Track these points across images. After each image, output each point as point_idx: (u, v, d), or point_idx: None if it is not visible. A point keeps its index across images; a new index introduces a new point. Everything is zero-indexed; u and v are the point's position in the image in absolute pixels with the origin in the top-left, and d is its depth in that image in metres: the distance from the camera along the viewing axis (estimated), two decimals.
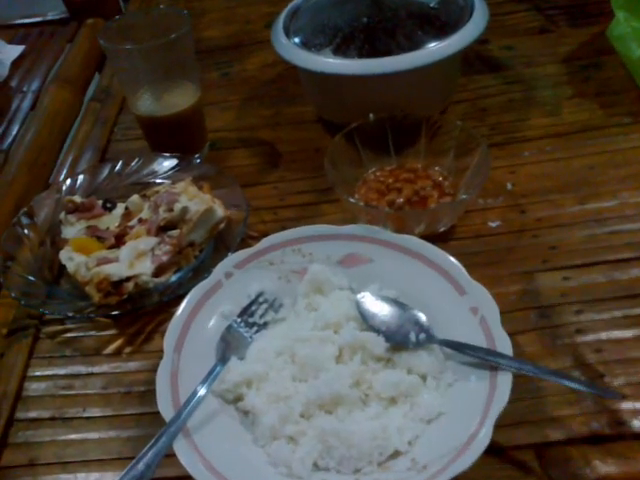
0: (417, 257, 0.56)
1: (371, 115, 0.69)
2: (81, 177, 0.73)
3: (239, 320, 0.54)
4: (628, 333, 0.54)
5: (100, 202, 0.69)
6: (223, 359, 0.51)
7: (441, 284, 0.54)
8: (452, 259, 0.55)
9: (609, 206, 0.65)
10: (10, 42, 1.15)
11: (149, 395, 0.50)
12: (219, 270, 0.57)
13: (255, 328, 0.55)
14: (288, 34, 0.77)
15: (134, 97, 0.72)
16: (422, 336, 0.51)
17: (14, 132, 0.93)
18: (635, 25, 0.74)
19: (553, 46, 0.90)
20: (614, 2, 0.75)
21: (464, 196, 0.60)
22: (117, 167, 0.74)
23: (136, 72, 0.70)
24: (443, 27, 0.73)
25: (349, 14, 0.78)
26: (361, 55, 0.73)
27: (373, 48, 0.74)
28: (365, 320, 0.52)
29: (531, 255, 0.62)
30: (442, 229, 0.63)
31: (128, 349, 0.59)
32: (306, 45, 0.75)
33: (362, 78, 0.70)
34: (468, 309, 0.52)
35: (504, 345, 0.48)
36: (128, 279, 0.58)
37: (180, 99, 0.73)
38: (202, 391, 0.49)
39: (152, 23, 0.71)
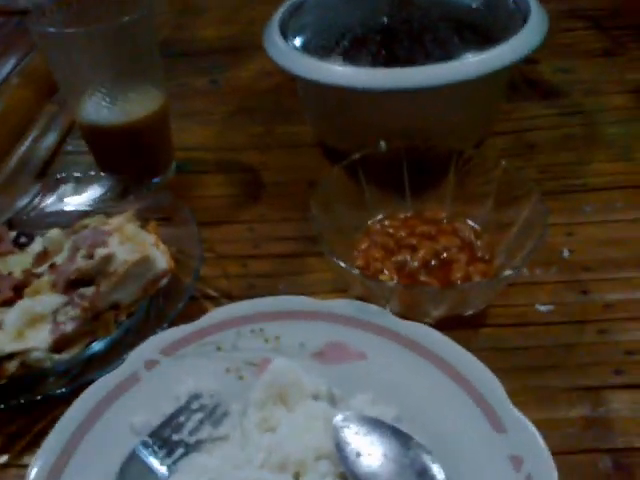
0: (433, 359, 0.38)
1: (383, 143, 0.52)
2: None
3: (152, 441, 0.36)
4: None
5: (13, 234, 0.51)
6: None
7: (466, 408, 0.35)
8: (488, 373, 0.36)
9: None
10: None
11: None
12: (137, 356, 0.38)
13: (180, 451, 0.36)
14: (286, 35, 0.60)
15: (75, 100, 0.55)
16: None
17: None
18: None
19: (620, 72, 0.72)
20: None
21: (509, 271, 0.41)
22: (48, 187, 0.57)
23: (76, 68, 0.52)
24: (487, 34, 0.56)
25: (364, 11, 0.60)
26: (376, 63, 0.55)
27: (392, 55, 0.56)
28: (344, 463, 0.34)
29: (598, 360, 0.43)
30: (471, 312, 0.44)
31: (1, 458, 0.41)
32: (307, 49, 0.58)
33: (376, 93, 0.53)
34: (507, 457, 0.33)
35: None
36: (11, 356, 0.40)
37: (136, 106, 0.56)
38: None
39: (103, 6, 0.54)
